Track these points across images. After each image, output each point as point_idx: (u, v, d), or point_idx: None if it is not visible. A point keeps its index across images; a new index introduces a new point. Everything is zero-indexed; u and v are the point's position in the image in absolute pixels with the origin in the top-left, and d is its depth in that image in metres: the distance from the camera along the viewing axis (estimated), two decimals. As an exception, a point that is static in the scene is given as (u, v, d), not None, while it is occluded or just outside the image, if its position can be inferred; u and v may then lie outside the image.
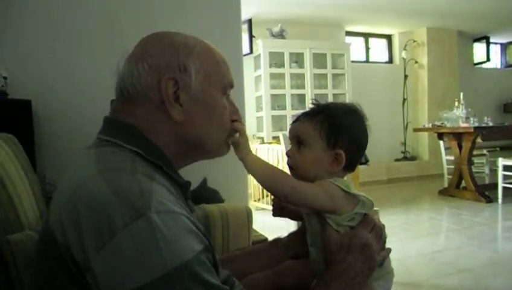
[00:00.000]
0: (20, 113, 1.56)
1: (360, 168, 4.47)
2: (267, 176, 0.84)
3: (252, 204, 4.13)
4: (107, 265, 0.55)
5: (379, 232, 0.85)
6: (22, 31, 1.67)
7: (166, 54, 0.72)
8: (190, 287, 0.57)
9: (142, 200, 0.58)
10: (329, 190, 0.82)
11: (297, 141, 0.89)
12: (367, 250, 0.80)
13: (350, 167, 0.89)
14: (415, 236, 3.46)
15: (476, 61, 7.46)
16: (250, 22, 5.20)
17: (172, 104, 0.71)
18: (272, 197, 0.98)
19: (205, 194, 1.29)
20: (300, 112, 0.94)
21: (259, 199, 4.37)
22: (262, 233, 1.72)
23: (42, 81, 1.66)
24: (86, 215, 0.58)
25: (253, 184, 4.41)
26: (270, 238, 1.10)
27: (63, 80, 1.69)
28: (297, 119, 0.91)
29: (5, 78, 1.56)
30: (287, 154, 0.91)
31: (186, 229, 0.61)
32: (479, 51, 7.43)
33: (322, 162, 0.86)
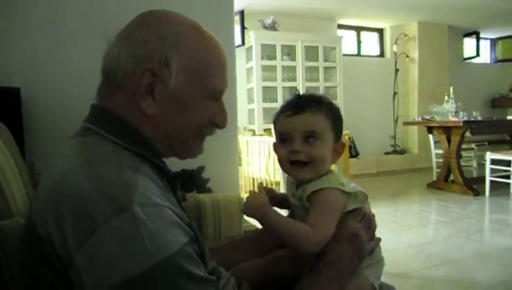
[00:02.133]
0: (9, 101, 1.54)
1: (351, 161, 4.49)
2: (290, 236, 0.80)
3: (244, 196, 4.13)
4: (89, 260, 0.55)
5: (368, 222, 0.86)
6: (10, 19, 1.64)
7: (150, 44, 0.67)
8: (176, 280, 0.57)
9: (125, 194, 0.57)
10: (334, 206, 0.82)
11: (307, 134, 0.84)
12: (356, 240, 0.81)
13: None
14: (404, 228, 3.50)
15: (465, 56, 7.52)
16: (242, 13, 5.17)
17: (144, 96, 0.68)
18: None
19: (197, 181, 1.29)
20: (287, 102, 0.89)
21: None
22: (254, 224, 1.73)
23: (31, 69, 1.64)
24: (68, 210, 0.57)
25: (244, 176, 4.42)
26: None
27: (52, 68, 1.67)
28: (300, 111, 0.85)
29: (-7, 65, 1.53)
30: (297, 150, 0.84)
31: (171, 222, 0.60)
32: (469, 45, 7.49)
33: (330, 155, 0.86)
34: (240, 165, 4.21)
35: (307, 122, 0.84)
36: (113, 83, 0.69)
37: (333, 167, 1.09)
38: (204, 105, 0.73)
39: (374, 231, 0.88)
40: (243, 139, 4.48)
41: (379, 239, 0.90)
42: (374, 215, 0.89)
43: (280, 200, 0.97)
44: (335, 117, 0.86)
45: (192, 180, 1.46)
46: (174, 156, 0.77)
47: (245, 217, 1.06)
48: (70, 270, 0.55)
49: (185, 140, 0.74)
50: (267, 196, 0.88)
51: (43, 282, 0.59)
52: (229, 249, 1.00)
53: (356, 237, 0.81)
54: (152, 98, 0.68)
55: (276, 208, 0.93)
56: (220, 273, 0.76)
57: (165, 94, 0.68)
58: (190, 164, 1.53)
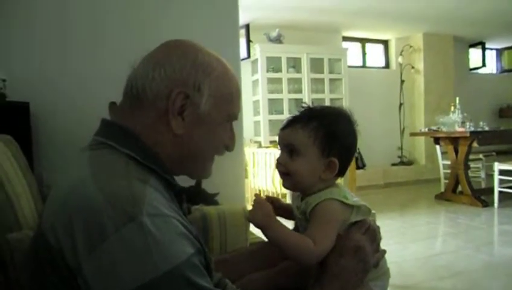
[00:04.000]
0: (18, 115, 1.56)
1: (357, 172, 4.49)
2: (291, 249, 0.81)
3: (250, 207, 4.13)
4: (98, 269, 0.56)
5: (373, 234, 0.86)
6: (20, 35, 1.67)
7: (186, 69, 0.73)
8: None
9: (134, 204, 0.58)
10: (333, 217, 0.83)
11: (289, 148, 0.88)
12: (360, 252, 0.81)
13: (341, 172, 0.89)
14: (411, 240, 3.47)
15: (471, 66, 7.51)
16: (247, 27, 5.23)
17: (175, 116, 0.72)
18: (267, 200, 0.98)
19: (202, 195, 1.29)
20: (290, 116, 0.92)
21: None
22: (260, 236, 1.73)
23: (40, 84, 1.66)
24: (78, 220, 0.58)
25: (250, 188, 4.42)
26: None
27: (61, 83, 1.69)
28: (288, 125, 0.90)
29: (3, 80, 1.56)
30: (279, 161, 0.90)
31: (178, 233, 0.61)
32: (474, 56, 7.49)
33: (315, 171, 0.86)
34: (246, 177, 4.22)
35: (287, 137, 0.89)
36: (140, 102, 0.72)
37: (340, 180, 1.09)
38: (225, 127, 0.80)
39: (379, 243, 0.88)
40: (249, 151, 4.49)
41: (384, 251, 0.89)
42: (378, 227, 0.89)
43: (285, 211, 0.97)
44: (324, 134, 0.86)
45: (199, 195, 1.46)
46: (186, 175, 0.81)
47: (251, 228, 1.07)
48: (79, 278, 0.56)
49: (203, 160, 0.79)
50: (273, 205, 0.90)
51: (51, 289, 0.60)
52: (235, 262, 1.00)
53: (360, 249, 0.81)
54: (182, 119, 0.72)
55: (281, 219, 0.94)
56: (225, 285, 0.76)
57: (194, 116, 0.73)
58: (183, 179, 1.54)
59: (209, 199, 1.49)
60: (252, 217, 0.81)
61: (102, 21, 1.77)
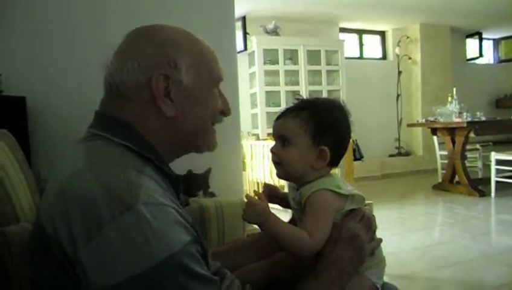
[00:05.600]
0: (14, 110, 1.56)
1: (355, 163, 4.49)
2: (287, 242, 0.82)
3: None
4: (96, 257, 0.56)
5: (368, 223, 0.87)
6: (15, 29, 1.67)
7: (156, 51, 0.72)
8: (179, 278, 0.58)
9: (130, 193, 0.59)
10: (326, 208, 0.84)
11: (282, 138, 0.90)
12: (355, 241, 0.82)
13: (334, 162, 0.90)
14: (409, 230, 3.49)
15: (468, 57, 7.51)
16: (244, 19, 5.20)
17: (163, 100, 0.72)
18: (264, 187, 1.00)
19: (205, 183, 1.30)
20: (283, 108, 0.94)
21: (254, 196, 4.38)
22: (257, 227, 1.73)
23: (36, 78, 1.66)
24: (75, 209, 0.59)
25: (248, 180, 4.43)
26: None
27: (57, 77, 1.69)
28: (281, 116, 0.91)
29: (-1, 74, 1.56)
30: (272, 151, 0.91)
31: (174, 221, 0.62)
32: (471, 46, 7.48)
33: (307, 159, 0.87)
34: (244, 170, 4.22)
35: (279, 127, 0.91)
36: (123, 96, 0.72)
37: (336, 170, 1.09)
38: (215, 93, 0.80)
39: (374, 231, 0.89)
40: (246, 144, 4.49)
41: (380, 240, 0.90)
42: (373, 216, 0.90)
43: (282, 199, 0.98)
44: (315, 124, 0.87)
45: (201, 182, 1.47)
46: (192, 152, 0.82)
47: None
48: (77, 267, 0.57)
49: (204, 134, 0.80)
50: (270, 193, 0.96)
51: (52, 282, 0.61)
52: (232, 253, 1.01)
53: (355, 238, 0.82)
54: (170, 101, 0.72)
55: (278, 207, 0.96)
56: (224, 274, 0.77)
57: (180, 94, 0.73)
58: (196, 167, 1.55)
59: (202, 177, 1.50)
60: (246, 217, 0.82)
61: (100, 15, 1.76)
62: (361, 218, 0.86)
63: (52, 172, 0.70)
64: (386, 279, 1.00)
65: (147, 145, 0.72)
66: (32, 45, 1.68)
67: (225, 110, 0.83)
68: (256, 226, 0.86)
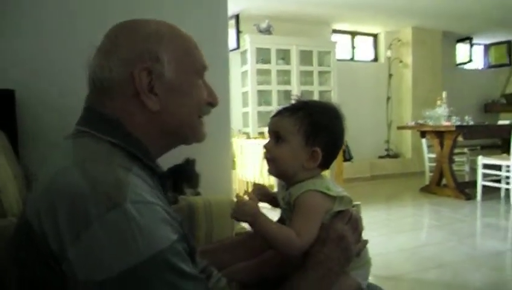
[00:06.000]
0: (3, 104, 1.54)
1: (344, 164, 4.52)
2: (276, 241, 0.83)
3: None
4: (82, 254, 0.56)
5: (355, 225, 0.88)
6: (5, 21, 1.65)
7: (137, 46, 0.72)
8: (165, 275, 0.58)
9: (118, 191, 0.59)
10: (315, 209, 0.85)
11: (275, 135, 0.91)
12: (343, 242, 0.83)
13: (325, 164, 0.91)
14: (396, 231, 3.53)
15: (458, 61, 7.59)
16: (237, 17, 5.20)
17: (147, 95, 0.71)
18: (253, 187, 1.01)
19: (188, 174, 1.29)
20: (280, 106, 0.95)
21: (243, 195, 4.39)
22: (245, 226, 1.74)
23: (26, 71, 1.64)
24: (62, 206, 0.58)
25: (238, 179, 4.43)
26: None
27: (46, 70, 1.66)
28: (277, 114, 0.93)
29: (-13, 67, 1.54)
30: (265, 147, 0.92)
31: (161, 219, 0.62)
32: (462, 51, 7.57)
33: (298, 158, 0.88)
34: (234, 168, 4.22)
35: (275, 125, 0.92)
36: (107, 92, 0.72)
37: (327, 172, 1.11)
38: (199, 84, 0.79)
39: (361, 233, 0.90)
40: (237, 142, 4.49)
41: (366, 241, 0.91)
42: (360, 218, 0.91)
43: (271, 199, 0.99)
44: (310, 124, 0.88)
45: (184, 175, 1.46)
46: (181, 144, 0.81)
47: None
48: (63, 264, 0.57)
49: (191, 124, 0.79)
50: (260, 192, 0.97)
51: (37, 277, 0.61)
52: (220, 251, 1.01)
53: (343, 239, 0.83)
54: (154, 95, 0.72)
55: (267, 205, 0.98)
56: (211, 272, 0.77)
57: (164, 87, 0.72)
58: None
59: (194, 179, 1.49)
60: (236, 215, 0.83)
61: (97, 5, 1.74)
62: (349, 219, 0.87)
63: (41, 168, 0.70)
64: (372, 280, 1.02)
65: (134, 142, 0.71)
66: (21, 37, 1.66)
67: (212, 101, 0.82)
68: (244, 225, 0.86)
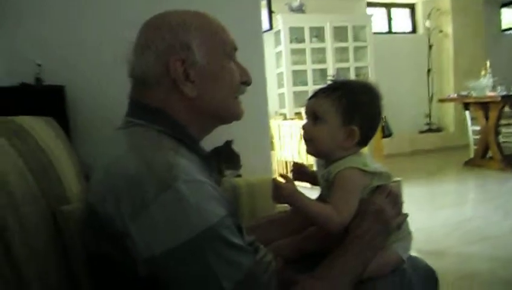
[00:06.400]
0: (54, 99, 1.65)
1: (384, 141, 4.47)
2: (317, 218, 0.87)
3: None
4: (143, 231, 0.63)
5: (394, 199, 0.90)
6: (54, 20, 1.74)
7: (167, 38, 0.77)
8: (217, 247, 0.64)
9: (170, 172, 0.65)
10: (353, 185, 0.88)
11: (313, 116, 0.93)
12: (382, 215, 0.86)
13: (363, 142, 0.93)
14: (439, 207, 3.48)
15: (504, 27, 7.17)
16: (269, -3, 5.16)
17: (184, 83, 0.77)
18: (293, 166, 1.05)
19: (227, 155, 1.34)
20: (318, 87, 0.97)
21: (279, 177, 4.44)
22: (287, 206, 1.79)
23: (74, 67, 1.74)
24: (122, 188, 0.65)
25: (277, 160, 4.48)
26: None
27: (93, 66, 1.75)
28: (314, 95, 0.95)
29: (39, 65, 1.65)
30: (303, 127, 0.96)
31: (211, 196, 0.68)
32: (507, 16, 7.14)
33: (336, 138, 0.91)
34: (273, 149, 4.27)
35: (312, 105, 0.94)
36: (148, 85, 0.79)
37: (365, 149, 1.14)
38: (230, 66, 0.83)
39: (401, 206, 0.92)
40: (274, 123, 4.52)
41: (406, 214, 0.94)
42: (400, 192, 0.93)
43: (311, 177, 1.03)
44: (347, 104, 0.90)
45: (224, 156, 1.51)
46: (221, 124, 0.87)
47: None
48: (127, 239, 0.64)
49: (228, 105, 0.84)
50: (299, 171, 1.02)
51: (104, 255, 0.68)
52: (265, 228, 1.07)
53: (382, 212, 0.86)
54: (191, 82, 0.77)
55: (307, 185, 1.01)
56: (258, 246, 0.83)
57: (198, 74, 0.78)
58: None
59: (233, 159, 1.54)
60: (275, 199, 0.87)
61: (139, 9, 1.80)
62: (388, 194, 0.89)
63: (96, 158, 0.77)
64: (415, 254, 1.05)
65: (179, 127, 0.78)
66: (69, 36, 1.75)
67: (246, 80, 0.86)
68: (286, 205, 0.91)
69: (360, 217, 0.86)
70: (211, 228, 0.64)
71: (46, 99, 1.63)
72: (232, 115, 0.86)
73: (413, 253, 1.00)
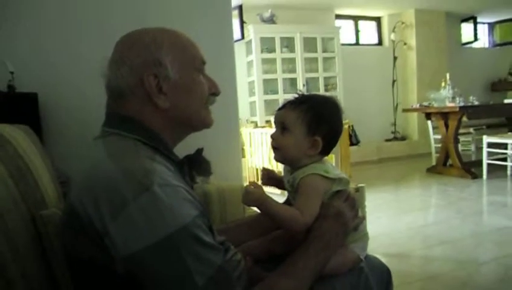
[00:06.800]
0: (27, 106, 1.66)
1: (352, 148, 4.61)
2: (282, 220, 0.93)
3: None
4: (122, 230, 0.68)
5: (352, 202, 1.00)
6: (27, 26, 1.74)
7: (141, 54, 0.84)
8: (190, 245, 0.70)
9: (147, 177, 0.71)
10: (315, 190, 0.96)
11: (281, 126, 1.02)
12: (340, 217, 0.95)
13: (325, 151, 1.03)
14: (404, 212, 3.61)
15: (463, 41, 7.56)
16: (240, 7, 5.26)
17: (157, 96, 0.84)
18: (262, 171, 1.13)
19: (198, 163, 1.39)
20: (288, 96, 1.06)
21: (249, 184, 4.50)
22: (256, 211, 1.84)
23: (47, 75, 1.75)
24: (102, 192, 0.71)
25: (248, 167, 4.55)
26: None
27: (66, 73, 1.76)
28: (283, 107, 1.04)
29: (11, 72, 1.66)
30: (272, 136, 1.04)
31: (184, 198, 0.74)
32: (466, 31, 7.53)
33: (301, 146, 1.00)
34: (244, 156, 4.34)
35: (281, 116, 1.03)
36: (123, 96, 0.85)
37: (332, 157, 1.22)
38: (200, 80, 0.90)
39: (358, 209, 1.01)
40: (245, 131, 4.60)
41: (363, 217, 1.03)
42: (357, 197, 1.02)
43: (279, 182, 1.11)
44: (312, 116, 0.99)
45: (195, 163, 1.56)
46: (192, 132, 0.94)
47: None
48: (106, 239, 0.69)
49: (199, 114, 0.91)
50: (268, 176, 1.10)
51: (84, 254, 0.73)
52: (234, 230, 1.13)
53: (340, 215, 0.95)
54: (164, 95, 0.84)
55: (276, 190, 1.09)
56: (228, 246, 0.89)
57: (171, 87, 0.85)
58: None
59: (205, 165, 1.60)
60: (245, 202, 0.94)
61: (108, 10, 1.82)
62: (346, 198, 0.98)
63: (75, 164, 0.82)
64: (379, 257, 1.15)
65: (154, 136, 0.84)
66: (42, 43, 1.76)
67: (214, 91, 0.94)
68: (255, 209, 0.98)
69: (321, 219, 0.94)
70: (185, 227, 0.70)
71: (19, 106, 1.64)
72: (202, 123, 0.93)
73: (378, 255, 1.09)
